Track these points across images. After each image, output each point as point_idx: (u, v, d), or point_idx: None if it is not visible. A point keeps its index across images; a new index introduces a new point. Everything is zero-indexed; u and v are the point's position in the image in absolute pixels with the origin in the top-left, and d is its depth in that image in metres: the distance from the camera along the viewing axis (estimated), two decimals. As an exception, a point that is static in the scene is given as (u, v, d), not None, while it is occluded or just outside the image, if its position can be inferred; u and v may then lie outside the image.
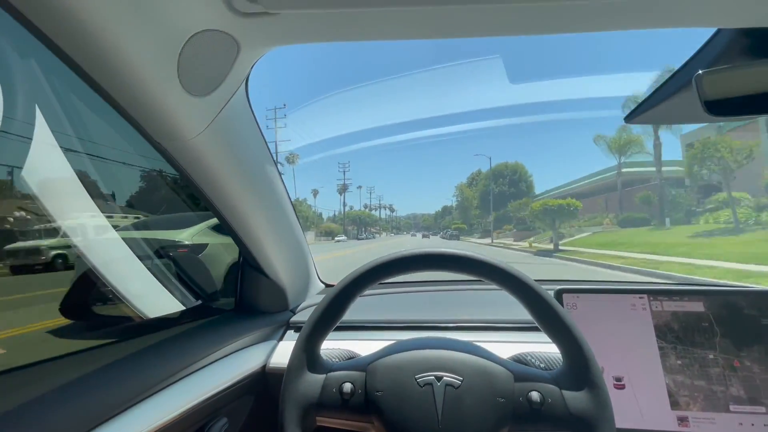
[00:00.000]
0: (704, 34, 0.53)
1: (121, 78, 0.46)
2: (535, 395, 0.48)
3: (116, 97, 0.49)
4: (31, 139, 0.74)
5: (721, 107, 0.47)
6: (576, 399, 0.47)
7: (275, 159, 0.87)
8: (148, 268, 0.97)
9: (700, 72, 0.49)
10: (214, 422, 0.72)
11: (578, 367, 0.49)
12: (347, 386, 0.51)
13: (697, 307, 0.72)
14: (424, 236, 51.92)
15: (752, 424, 0.65)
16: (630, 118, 0.69)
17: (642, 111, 0.65)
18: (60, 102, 0.76)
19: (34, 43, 0.42)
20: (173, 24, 0.45)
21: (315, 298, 1.17)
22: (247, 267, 0.96)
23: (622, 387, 0.70)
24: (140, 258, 0.96)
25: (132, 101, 0.50)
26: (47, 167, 0.82)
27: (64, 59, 0.44)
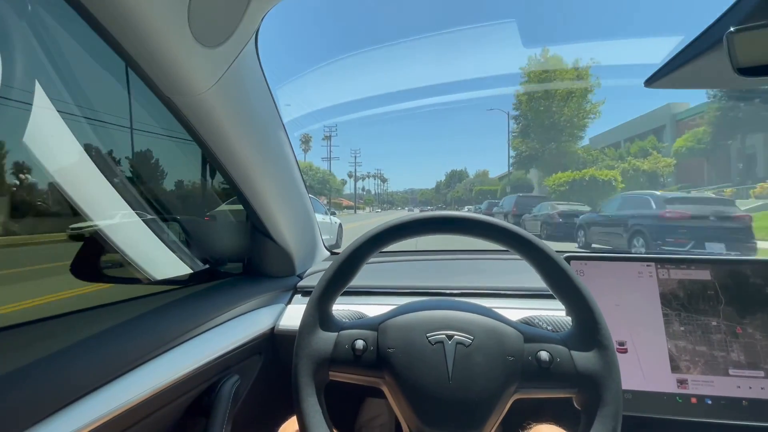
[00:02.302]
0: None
1: (131, 27, 0.44)
2: (544, 354, 0.49)
3: (125, 47, 0.47)
4: (31, 104, 0.73)
5: (755, 68, 0.45)
6: (584, 359, 0.48)
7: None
8: (159, 234, 0.97)
9: (732, 29, 0.47)
10: (227, 379, 0.74)
11: (588, 329, 0.49)
12: (359, 343, 0.52)
13: (704, 275, 0.72)
14: (422, 211, 50.65)
15: (750, 387, 0.67)
16: (651, 81, 0.67)
17: (664, 74, 0.63)
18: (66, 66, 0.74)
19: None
20: None
21: (321, 264, 1.18)
22: (255, 231, 0.97)
23: (625, 351, 0.71)
24: (149, 223, 0.96)
25: (142, 52, 0.48)
26: (52, 132, 0.81)
27: (73, 4, 0.42)
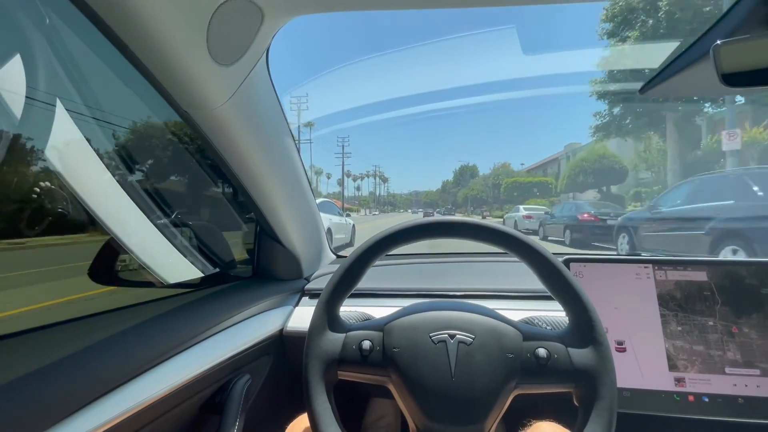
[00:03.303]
0: (724, 4, 0.53)
1: (153, 44, 0.48)
2: (542, 351, 0.51)
3: (147, 64, 0.50)
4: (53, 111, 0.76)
5: (738, 78, 0.48)
6: (580, 355, 0.50)
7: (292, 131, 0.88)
8: (170, 239, 1.00)
9: (719, 42, 0.49)
10: (238, 378, 0.77)
11: (583, 327, 0.51)
12: (366, 344, 0.54)
13: (700, 276, 0.74)
14: (426, 215, 42.13)
15: (745, 385, 0.69)
16: (644, 90, 0.69)
17: (657, 83, 0.65)
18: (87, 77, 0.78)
19: (69, 10, 0.43)
20: None
21: (328, 267, 1.21)
22: (264, 235, 1.00)
23: (624, 350, 0.73)
24: (161, 228, 0.99)
25: (162, 68, 0.52)
26: (69, 139, 0.84)
27: (97, 24, 0.45)
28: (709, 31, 0.55)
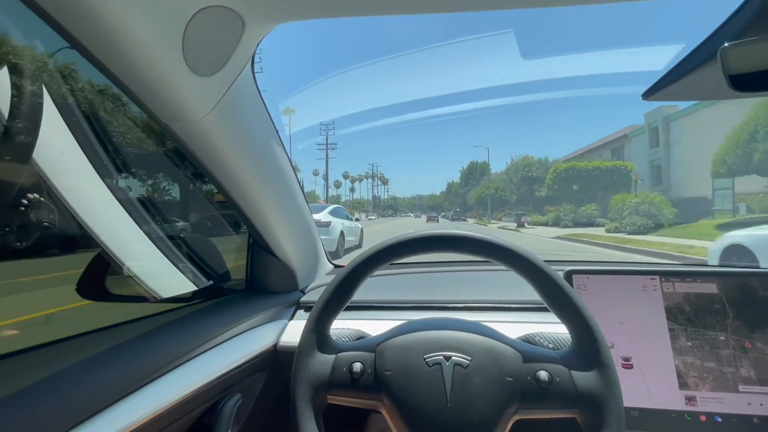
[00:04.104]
0: (731, 5, 0.50)
1: (126, 58, 0.45)
2: (543, 374, 0.48)
3: (122, 78, 0.48)
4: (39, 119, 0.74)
5: (746, 82, 0.45)
6: (584, 378, 0.47)
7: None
8: (162, 250, 0.98)
9: (726, 45, 0.46)
10: (228, 398, 0.74)
11: (587, 348, 0.49)
12: (357, 366, 0.52)
13: (710, 288, 0.71)
14: (430, 219, 35.92)
15: (761, 404, 0.65)
16: (648, 94, 0.66)
17: (661, 87, 0.63)
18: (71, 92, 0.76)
19: (39, 26, 0.41)
20: (177, 0, 0.44)
21: (324, 278, 1.18)
22: (257, 248, 0.97)
23: (630, 367, 0.70)
24: (154, 240, 0.97)
25: (138, 82, 0.49)
26: (56, 147, 0.82)
27: (67, 39, 0.43)
28: (716, 33, 0.52)
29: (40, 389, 0.47)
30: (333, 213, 7.76)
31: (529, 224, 21.49)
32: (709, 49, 0.52)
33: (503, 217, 31.00)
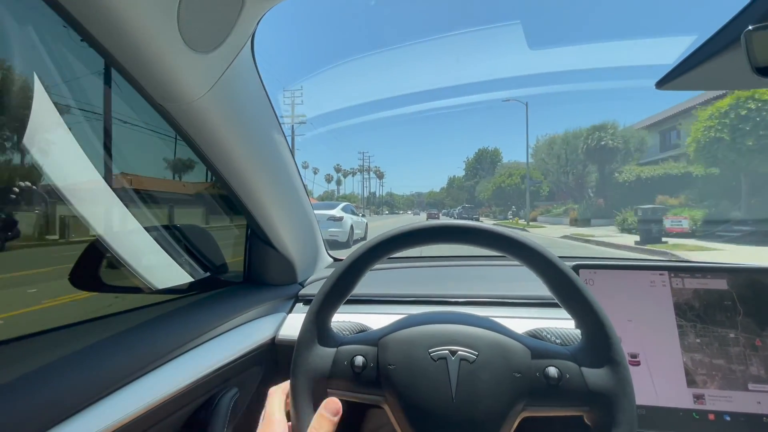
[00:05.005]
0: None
1: (118, 32, 0.43)
2: (552, 371, 0.46)
3: (114, 54, 0.46)
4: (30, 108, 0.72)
5: None
6: (595, 375, 0.46)
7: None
8: (157, 240, 0.96)
9: (751, 27, 0.44)
10: (225, 392, 0.72)
11: (599, 344, 0.47)
12: (359, 360, 0.50)
13: (720, 284, 0.69)
14: (430, 216, 32.60)
15: (771, 403, 0.63)
16: (662, 83, 0.64)
17: (677, 75, 0.60)
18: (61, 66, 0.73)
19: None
20: None
21: (324, 271, 1.16)
22: (255, 239, 0.95)
23: (637, 364, 0.68)
24: (149, 229, 0.95)
25: (130, 58, 0.47)
26: (49, 135, 0.80)
27: (59, 12, 0.41)
28: (739, 15, 0.50)
29: (27, 382, 0.45)
30: (344, 209, 9.05)
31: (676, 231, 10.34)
32: (732, 33, 0.50)
33: (539, 216, 23.10)
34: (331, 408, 0.47)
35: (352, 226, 8.91)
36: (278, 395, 0.51)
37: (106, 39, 0.44)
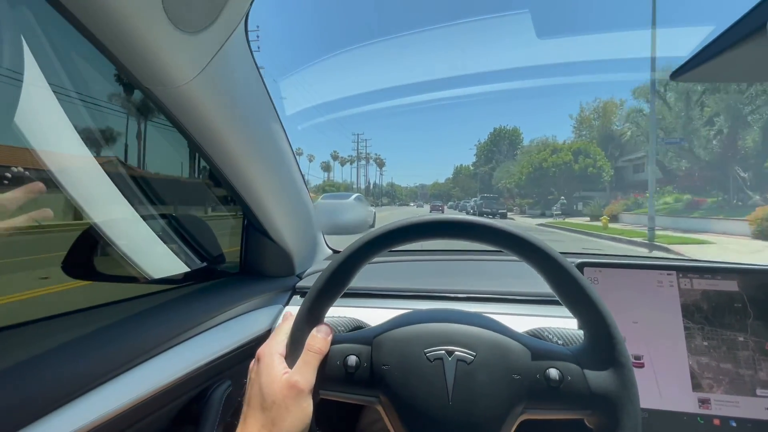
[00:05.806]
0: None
1: (99, 10, 0.40)
2: (553, 372, 0.45)
3: (97, 34, 0.43)
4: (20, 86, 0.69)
5: None
6: (598, 378, 0.44)
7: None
8: (153, 228, 0.94)
9: None
10: (218, 385, 0.71)
11: (602, 345, 0.45)
12: (352, 359, 0.48)
13: (731, 286, 0.67)
14: (434, 209, 30.40)
15: (780, 410, 0.61)
16: (678, 74, 0.60)
17: (694, 66, 0.57)
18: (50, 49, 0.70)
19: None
20: None
21: (322, 263, 1.15)
22: (252, 229, 0.93)
23: (641, 366, 0.66)
24: (144, 217, 0.93)
25: (113, 39, 0.44)
26: (46, 120, 0.77)
27: None
28: (763, 2, 0.46)
29: (12, 374, 0.44)
30: (357, 200, 9.92)
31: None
32: (756, 21, 0.46)
33: (622, 212, 15.81)
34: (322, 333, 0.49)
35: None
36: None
37: (86, 18, 0.41)
